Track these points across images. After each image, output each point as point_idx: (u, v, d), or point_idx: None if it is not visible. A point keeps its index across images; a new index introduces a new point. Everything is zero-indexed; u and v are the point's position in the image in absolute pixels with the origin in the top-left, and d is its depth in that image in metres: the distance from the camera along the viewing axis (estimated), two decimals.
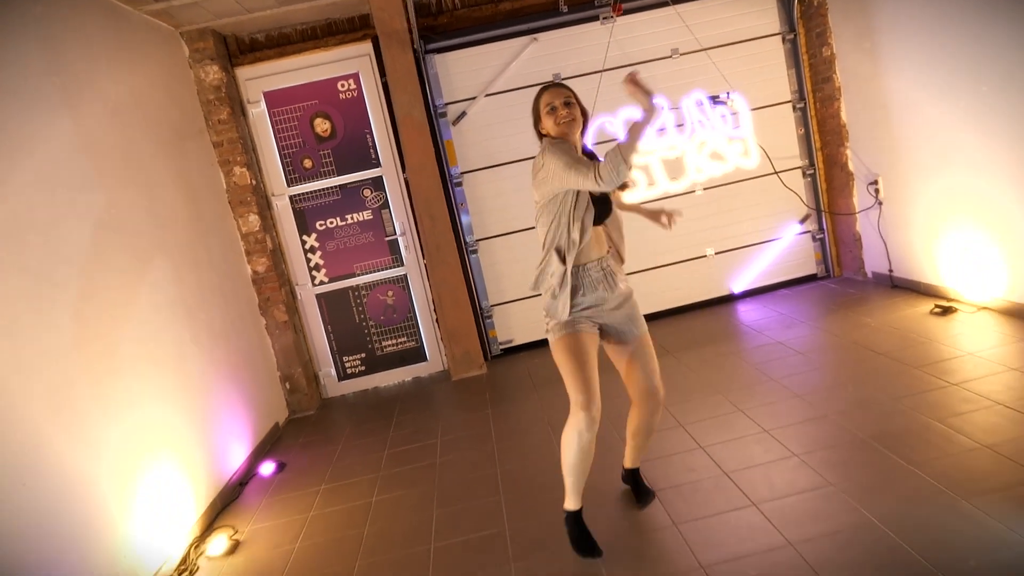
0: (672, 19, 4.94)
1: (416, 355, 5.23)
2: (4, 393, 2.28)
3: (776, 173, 5.26)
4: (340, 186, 4.98)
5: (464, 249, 5.09)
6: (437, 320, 5.09)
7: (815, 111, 5.29)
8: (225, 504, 3.57)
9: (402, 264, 5.10)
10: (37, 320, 2.50)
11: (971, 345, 3.57)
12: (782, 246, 5.42)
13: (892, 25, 4.25)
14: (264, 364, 4.59)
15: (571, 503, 2.49)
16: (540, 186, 2.40)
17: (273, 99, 4.85)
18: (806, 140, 5.33)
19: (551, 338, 2.45)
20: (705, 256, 5.38)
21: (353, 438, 4.22)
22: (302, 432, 4.51)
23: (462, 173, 5.08)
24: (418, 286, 5.13)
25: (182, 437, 3.36)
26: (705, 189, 5.27)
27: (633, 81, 2.16)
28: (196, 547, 3.12)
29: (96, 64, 3.33)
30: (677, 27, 4.96)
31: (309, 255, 5.04)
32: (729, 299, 5.42)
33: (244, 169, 4.59)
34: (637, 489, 2.78)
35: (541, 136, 2.53)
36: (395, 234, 5.07)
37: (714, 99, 4.42)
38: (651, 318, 4.79)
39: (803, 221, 5.39)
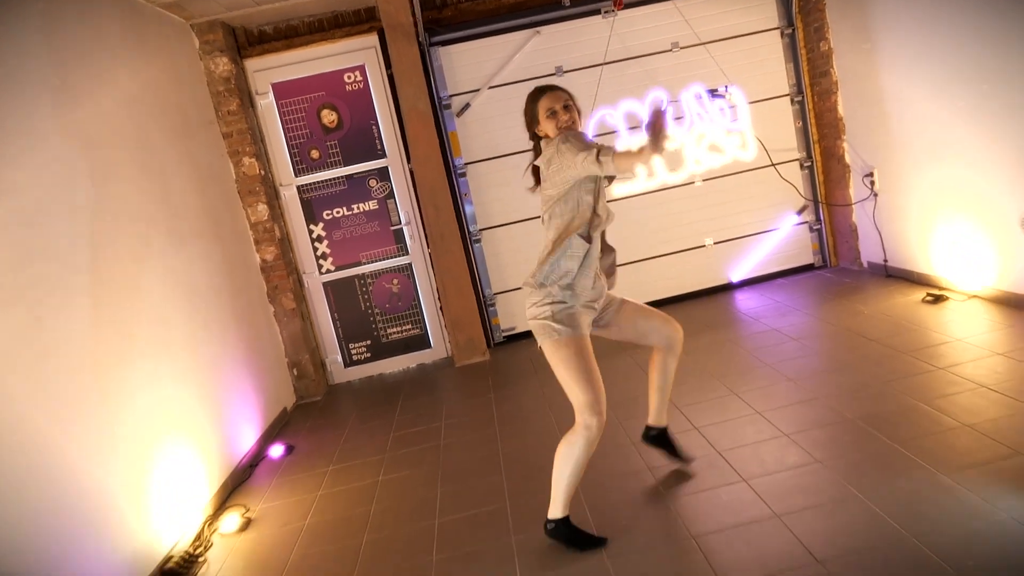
0: (672, 13, 5.03)
1: (420, 342, 5.34)
2: (31, 375, 2.39)
3: (773, 165, 5.35)
4: (346, 176, 5.09)
5: (468, 238, 5.19)
6: (441, 308, 5.20)
7: (813, 104, 5.38)
8: (236, 484, 3.69)
9: (407, 253, 5.21)
10: (61, 303, 2.62)
11: (960, 332, 3.68)
12: (780, 236, 5.52)
13: (887, 23, 4.33)
14: (272, 350, 4.71)
15: (562, 510, 2.46)
16: (555, 175, 2.38)
17: (281, 90, 4.95)
18: (804, 133, 5.42)
19: (554, 339, 2.36)
20: (704, 246, 5.48)
21: (359, 422, 4.34)
22: (309, 417, 4.63)
23: (466, 164, 5.18)
24: (423, 275, 5.24)
25: (195, 419, 3.48)
26: (704, 181, 5.37)
27: (658, 118, 2.10)
28: (210, 524, 3.24)
29: (112, 56, 3.43)
30: (677, 21, 5.04)
31: (316, 244, 5.15)
32: (727, 288, 5.52)
33: (253, 159, 4.70)
34: (673, 445, 2.87)
35: (537, 138, 2.53)
36: (400, 223, 5.17)
37: (713, 92, 4.50)
38: (651, 306, 4.87)
39: (800, 212, 5.49)
